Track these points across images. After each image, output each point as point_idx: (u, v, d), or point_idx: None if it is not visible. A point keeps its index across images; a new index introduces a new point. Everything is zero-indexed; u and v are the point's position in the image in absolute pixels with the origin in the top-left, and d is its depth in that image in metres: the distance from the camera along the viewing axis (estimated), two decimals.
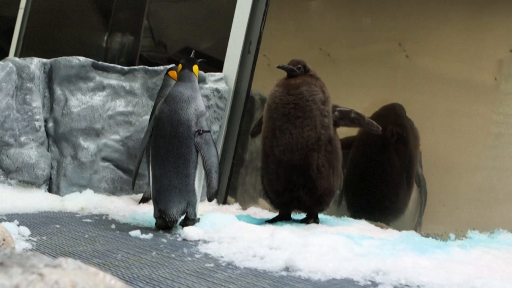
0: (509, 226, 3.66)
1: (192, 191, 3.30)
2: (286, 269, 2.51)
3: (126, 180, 4.35)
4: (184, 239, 3.08)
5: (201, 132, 3.28)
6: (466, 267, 2.60)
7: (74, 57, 4.25)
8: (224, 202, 4.57)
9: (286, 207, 3.79)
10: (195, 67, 3.50)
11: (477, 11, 4.28)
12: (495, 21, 4.20)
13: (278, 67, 3.74)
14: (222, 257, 2.69)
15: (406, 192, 4.21)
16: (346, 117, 3.79)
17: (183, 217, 3.37)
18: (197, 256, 2.70)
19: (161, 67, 4.55)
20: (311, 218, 3.75)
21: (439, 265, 2.59)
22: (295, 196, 3.65)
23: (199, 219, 3.43)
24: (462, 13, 4.32)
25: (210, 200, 3.37)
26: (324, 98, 3.66)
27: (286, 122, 3.59)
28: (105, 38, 6.85)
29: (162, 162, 3.29)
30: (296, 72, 3.73)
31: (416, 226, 4.11)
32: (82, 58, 4.27)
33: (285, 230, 3.07)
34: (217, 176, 3.31)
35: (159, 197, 3.29)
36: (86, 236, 3.04)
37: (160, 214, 3.30)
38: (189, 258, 2.65)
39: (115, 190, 4.34)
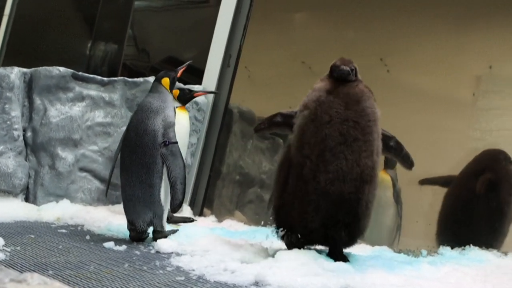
0: (480, 243, 3.72)
1: (157, 202, 3.26)
2: (256, 283, 2.53)
3: (103, 191, 4.36)
4: (157, 252, 3.09)
5: (167, 143, 3.24)
6: (434, 284, 2.65)
7: (54, 67, 4.27)
8: (200, 214, 4.60)
9: (312, 245, 3.05)
10: (164, 80, 3.49)
11: (457, 28, 4.35)
12: (474, 37, 4.27)
13: (336, 69, 2.98)
14: (193, 270, 2.70)
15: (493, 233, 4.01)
16: (384, 143, 3.09)
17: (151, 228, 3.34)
18: (168, 269, 2.72)
19: (141, 79, 4.57)
20: (339, 257, 2.95)
21: (407, 281, 2.63)
22: (332, 235, 2.92)
23: (175, 231, 3.44)
24: (442, 29, 4.39)
25: (173, 211, 3.32)
26: (379, 117, 2.99)
27: (341, 144, 2.83)
28: (89, 46, 6.85)
29: (126, 171, 3.30)
30: (351, 75, 2.99)
31: (395, 242, 4.15)
32: (62, 69, 4.29)
33: (257, 245, 3.10)
34: (182, 187, 3.24)
35: (126, 208, 3.31)
36: (60, 247, 3.04)
37: (129, 225, 3.32)
38: (160, 271, 2.66)
39: (92, 200, 4.35)
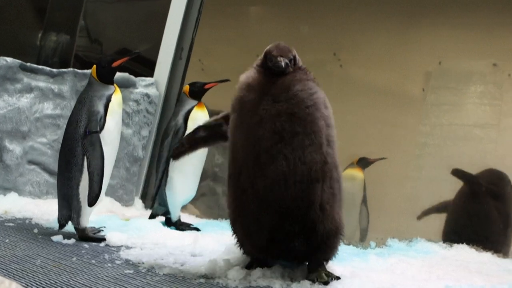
0: (428, 235, 3.81)
1: (74, 196, 3.14)
2: (205, 276, 2.54)
3: (52, 184, 4.29)
4: (106, 245, 3.07)
5: (87, 133, 3.10)
6: (380, 275, 2.70)
7: (1, 57, 4.17)
8: (152, 207, 4.57)
9: (273, 259, 2.64)
10: (92, 68, 3.29)
11: (408, 23, 4.41)
12: (424, 34, 4.35)
13: (271, 60, 2.51)
14: (142, 263, 2.70)
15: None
16: None
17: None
18: (117, 262, 2.71)
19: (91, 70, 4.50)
20: (318, 270, 2.54)
21: (354, 273, 2.67)
22: (286, 248, 2.51)
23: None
24: (394, 25, 4.45)
25: (90, 205, 3.12)
26: (324, 97, 2.53)
27: (278, 143, 2.40)
28: (40, 36, 6.73)
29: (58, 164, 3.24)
30: (289, 69, 2.53)
31: (362, 236, 4.17)
32: (9, 59, 4.19)
33: (207, 237, 3.11)
34: (100, 179, 3.09)
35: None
36: (7, 240, 2.99)
37: None
38: (109, 264, 2.65)
39: (41, 193, 4.28)
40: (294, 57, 2.56)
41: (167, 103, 4.80)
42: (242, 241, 2.62)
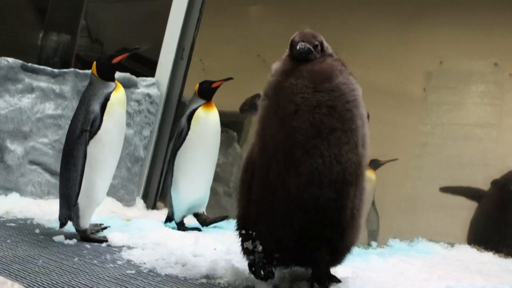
0: (429, 235, 3.81)
1: (73, 197, 3.11)
2: (207, 276, 2.54)
3: (54, 184, 4.30)
4: (108, 245, 3.08)
5: (81, 132, 3.08)
6: (382, 275, 2.70)
7: (2, 58, 4.18)
8: (153, 207, 4.59)
9: (285, 266, 2.42)
10: (92, 66, 3.24)
11: (408, 23, 4.42)
12: (426, 33, 4.35)
13: (294, 46, 2.31)
14: (144, 263, 2.70)
15: None
16: None
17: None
18: (119, 262, 2.71)
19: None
20: (324, 280, 2.35)
21: (355, 273, 2.67)
22: (309, 254, 2.28)
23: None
24: (394, 25, 4.45)
25: (72, 205, 3.13)
26: (362, 98, 2.32)
27: (314, 138, 2.17)
28: (41, 36, 6.74)
29: None
30: (313, 53, 2.32)
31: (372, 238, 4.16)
32: (11, 59, 4.20)
33: (208, 237, 3.11)
34: (78, 178, 3.07)
35: None
36: (9, 241, 2.99)
37: None
38: (111, 265, 2.65)
39: (42, 193, 4.29)
40: (321, 43, 2.37)
41: (169, 103, 4.81)
42: (264, 242, 2.31)
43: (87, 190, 3.11)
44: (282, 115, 2.23)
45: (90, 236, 3.17)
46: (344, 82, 2.24)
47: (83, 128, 3.07)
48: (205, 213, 3.91)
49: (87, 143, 3.06)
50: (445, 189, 4.07)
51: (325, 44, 2.39)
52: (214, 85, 3.91)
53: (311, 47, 2.30)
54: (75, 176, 3.08)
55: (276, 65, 2.39)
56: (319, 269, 2.33)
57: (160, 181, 4.68)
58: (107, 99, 3.14)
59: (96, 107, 3.10)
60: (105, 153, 3.13)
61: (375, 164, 4.27)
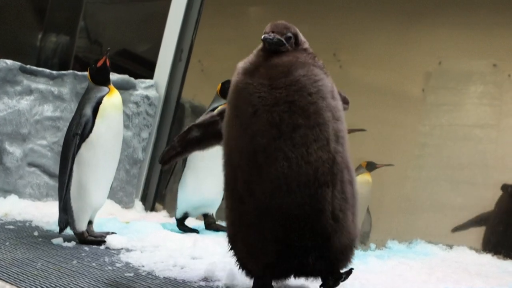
0: (427, 237, 3.81)
1: (67, 201, 3.11)
2: (205, 279, 2.54)
3: (52, 186, 4.29)
4: (107, 248, 3.07)
5: (73, 135, 3.08)
6: (381, 278, 2.70)
7: (1, 60, 4.18)
8: (152, 209, 4.59)
9: (280, 278, 2.21)
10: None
11: (408, 23, 4.41)
12: (425, 33, 4.35)
13: (264, 39, 2.08)
14: (143, 266, 2.70)
15: None
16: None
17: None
18: (118, 265, 2.71)
19: None
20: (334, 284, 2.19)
21: (353, 275, 2.66)
22: (297, 265, 2.09)
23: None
24: (394, 25, 4.45)
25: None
26: (332, 87, 2.12)
27: (276, 138, 1.99)
28: (39, 37, 6.74)
29: None
30: (285, 45, 2.12)
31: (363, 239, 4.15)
32: (9, 61, 4.20)
33: (207, 240, 3.11)
34: (65, 181, 3.08)
35: None
36: (7, 243, 2.99)
37: None
38: (109, 267, 2.65)
39: (41, 196, 4.28)
40: (295, 36, 2.16)
41: (167, 105, 4.80)
42: (244, 260, 2.18)
43: (78, 194, 3.11)
44: (242, 119, 2.07)
45: (87, 239, 3.17)
46: (305, 74, 2.04)
47: (74, 132, 3.07)
48: (214, 215, 3.88)
49: (77, 147, 3.07)
50: (456, 229, 4.03)
51: (301, 37, 2.20)
52: None
53: (282, 39, 2.10)
54: (68, 180, 3.08)
55: (240, 63, 2.20)
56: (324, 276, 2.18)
57: (158, 183, 4.68)
58: (99, 102, 3.13)
59: (88, 110, 3.10)
60: (98, 156, 3.11)
61: (371, 167, 4.26)
